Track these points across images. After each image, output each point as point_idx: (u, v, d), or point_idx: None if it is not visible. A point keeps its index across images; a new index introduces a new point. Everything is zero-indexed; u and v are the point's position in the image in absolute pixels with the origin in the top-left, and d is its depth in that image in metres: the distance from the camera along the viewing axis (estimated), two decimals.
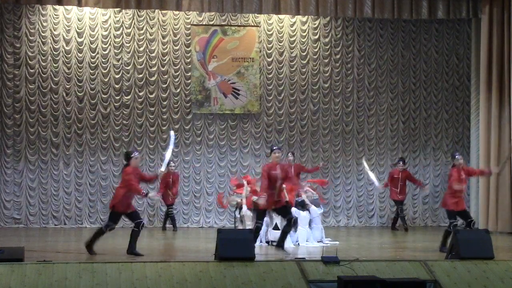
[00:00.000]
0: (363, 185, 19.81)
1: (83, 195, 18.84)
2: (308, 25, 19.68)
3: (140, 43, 19.08)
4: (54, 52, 18.77)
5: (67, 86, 18.83)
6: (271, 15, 18.87)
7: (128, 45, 19.03)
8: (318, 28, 19.73)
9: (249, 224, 14.82)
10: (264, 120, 19.63)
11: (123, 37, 19.01)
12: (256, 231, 12.94)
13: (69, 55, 18.81)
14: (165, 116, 19.19)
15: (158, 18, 19.11)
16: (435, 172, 20.08)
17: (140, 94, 19.12)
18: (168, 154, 13.20)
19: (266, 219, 14.76)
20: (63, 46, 18.79)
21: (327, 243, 14.91)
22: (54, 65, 18.78)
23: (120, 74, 19.02)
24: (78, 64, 18.85)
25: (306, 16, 19.18)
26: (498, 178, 18.03)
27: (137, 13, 18.91)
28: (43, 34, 18.70)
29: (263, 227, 14.69)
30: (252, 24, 19.44)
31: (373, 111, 19.94)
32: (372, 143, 19.95)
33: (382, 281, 9.65)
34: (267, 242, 14.67)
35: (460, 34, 20.13)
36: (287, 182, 13.38)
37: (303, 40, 19.69)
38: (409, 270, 10.29)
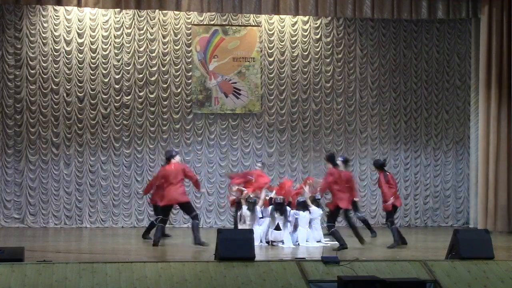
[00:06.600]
0: (366, 185, 19.75)
1: (83, 195, 18.82)
2: (310, 25, 19.64)
3: (141, 43, 19.06)
4: (55, 53, 18.76)
5: (68, 87, 18.82)
6: (272, 14, 18.85)
7: (128, 45, 19.02)
8: (320, 28, 19.69)
9: (250, 224, 14.81)
10: (265, 120, 19.61)
11: (123, 37, 19.00)
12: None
13: (70, 56, 18.80)
14: (165, 116, 19.18)
15: (158, 18, 19.09)
16: (435, 172, 20.05)
17: (141, 94, 19.11)
18: None
19: (267, 219, 14.78)
20: (63, 46, 18.78)
21: (326, 243, 14.90)
22: (55, 65, 18.77)
23: (120, 74, 19.01)
24: (79, 65, 18.85)
25: (307, 16, 19.15)
26: (497, 178, 18.03)
27: (137, 13, 18.89)
28: (43, 35, 18.70)
29: (264, 227, 14.69)
30: (253, 24, 19.41)
31: (376, 111, 19.89)
32: (375, 142, 19.90)
33: (382, 281, 9.64)
34: (267, 242, 14.67)
35: (462, 33, 20.07)
36: None
37: (305, 39, 19.65)
38: (409, 270, 10.28)
